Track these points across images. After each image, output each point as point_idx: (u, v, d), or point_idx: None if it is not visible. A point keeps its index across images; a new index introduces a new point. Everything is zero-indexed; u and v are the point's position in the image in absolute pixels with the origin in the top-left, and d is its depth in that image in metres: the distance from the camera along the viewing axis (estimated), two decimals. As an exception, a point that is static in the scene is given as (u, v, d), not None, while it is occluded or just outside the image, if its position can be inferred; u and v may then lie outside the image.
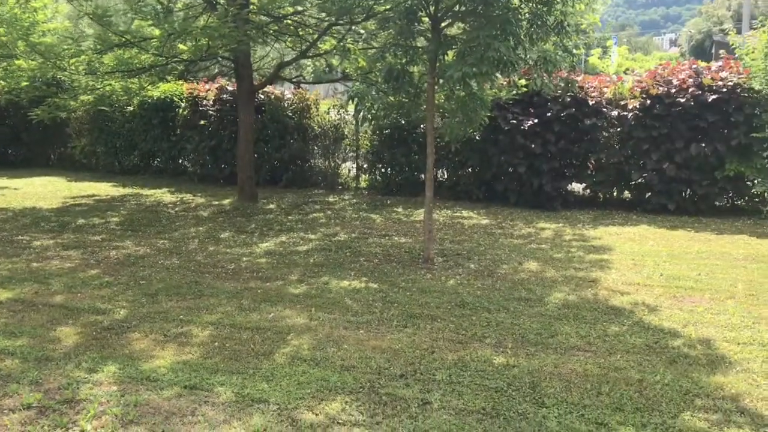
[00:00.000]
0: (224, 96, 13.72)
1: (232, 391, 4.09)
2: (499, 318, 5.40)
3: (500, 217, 9.98)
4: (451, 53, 6.77)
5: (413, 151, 12.05)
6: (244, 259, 7.54)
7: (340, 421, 3.74)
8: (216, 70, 12.28)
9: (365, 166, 13.17)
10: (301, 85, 13.42)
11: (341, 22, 9.84)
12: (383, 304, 5.79)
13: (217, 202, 11.48)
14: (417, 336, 5.04)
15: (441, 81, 6.91)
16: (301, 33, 11.19)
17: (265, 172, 13.27)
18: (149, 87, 11.48)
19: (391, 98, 7.30)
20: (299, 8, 9.98)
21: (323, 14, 10.04)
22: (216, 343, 4.95)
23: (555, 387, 4.13)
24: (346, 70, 11.23)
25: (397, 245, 8.14)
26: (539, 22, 6.44)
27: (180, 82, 13.61)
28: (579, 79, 10.03)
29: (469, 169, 11.63)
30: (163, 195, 12.49)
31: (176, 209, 10.91)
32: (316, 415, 3.80)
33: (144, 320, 5.46)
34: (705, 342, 4.85)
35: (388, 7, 7.62)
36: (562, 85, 6.96)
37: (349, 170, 13.67)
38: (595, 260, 7.28)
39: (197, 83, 14.17)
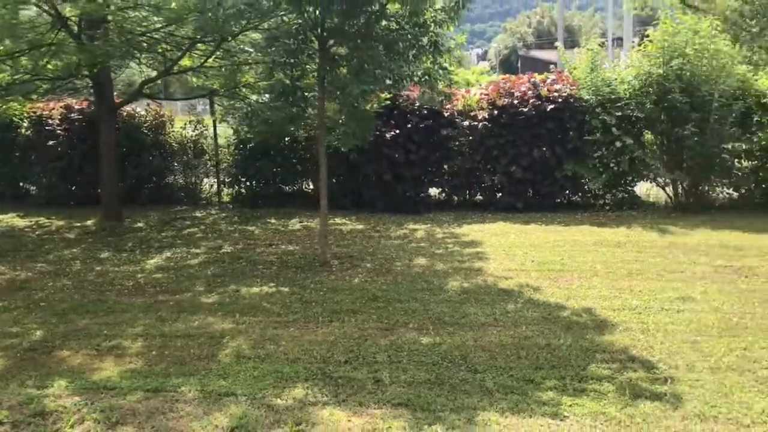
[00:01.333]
0: (72, 115, 13.23)
1: (195, 389, 4.34)
2: (411, 307, 6.02)
3: (372, 222, 10.63)
4: (342, 70, 7.31)
5: (277, 164, 12.40)
6: (139, 275, 7.55)
7: (310, 402, 4.15)
8: (78, 88, 11.84)
9: (228, 180, 13.29)
10: (159, 101, 13.28)
11: (207, 39, 10.01)
12: (302, 305, 6.20)
13: (79, 224, 11.10)
14: (346, 328, 5.52)
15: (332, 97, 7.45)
16: (160, 50, 11.16)
17: (121, 190, 12.96)
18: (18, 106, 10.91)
19: (282, 113, 7.69)
20: (155, 25, 9.95)
21: (187, 31, 10.12)
22: (154, 352, 5.11)
23: (482, 356, 4.82)
24: (213, 86, 11.36)
25: (287, 253, 8.51)
26: (419, 44, 7.17)
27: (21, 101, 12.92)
28: (457, 92, 10.98)
29: (334, 180, 12.18)
30: (13, 220, 11.82)
31: (37, 233, 10.45)
32: (285, 400, 4.18)
33: (66, 338, 5.46)
34: (587, 311, 5.80)
35: (264, 25, 8.03)
36: (442, 98, 7.78)
37: (211, 185, 13.71)
38: (473, 253, 8.15)
39: (39, 102, 13.49)
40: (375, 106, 10.67)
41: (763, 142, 10.52)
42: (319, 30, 7.29)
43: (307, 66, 7.59)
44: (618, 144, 10.57)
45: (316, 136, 11.41)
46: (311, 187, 12.77)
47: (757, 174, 10.90)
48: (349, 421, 3.90)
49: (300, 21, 7.29)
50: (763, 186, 10.98)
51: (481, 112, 11.48)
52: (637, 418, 3.86)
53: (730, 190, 11.38)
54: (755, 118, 10.73)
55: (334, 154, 11.13)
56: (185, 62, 11.31)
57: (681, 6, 23.62)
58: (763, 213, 10.43)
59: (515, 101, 11.18)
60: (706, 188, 11.22)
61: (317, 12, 7.13)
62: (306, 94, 7.57)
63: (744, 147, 10.78)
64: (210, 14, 8.10)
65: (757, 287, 6.45)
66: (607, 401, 4.08)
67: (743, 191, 11.22)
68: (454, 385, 4.36)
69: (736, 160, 11.04)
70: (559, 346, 4.99)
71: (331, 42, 7.43)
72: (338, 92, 7.24)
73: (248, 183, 12.89)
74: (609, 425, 3.80)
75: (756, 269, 7.08)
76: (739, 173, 11.08)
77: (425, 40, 7.35)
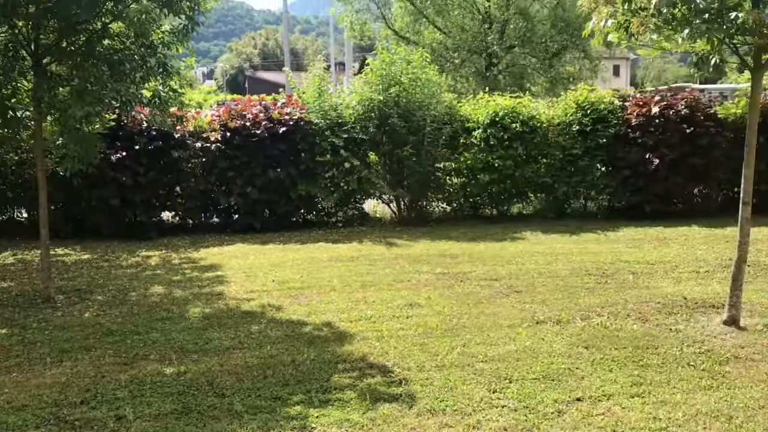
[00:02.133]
0: None
1: None
2: (152, 338, 5.79)
3: (99, 250, 9.96)
4: (63, 90, 6.79)
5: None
6: None
7: (43, 452, 3.81)
8: None
9: None
10: None
11: None
12: (24, 346, 5.63)
13: None
14: (79, 366, 5.14)
15: (49, 117, 6.89)
16: None
17: None
18: None
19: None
20: None
21: None
22: None
23: (228, 380, 4.82)
24: None
25: (1, 290, 7.65)
26: (147, 65, 6.94)
27: None
28: (188, 114, 10.68)
29: (53, 207, 11.19)
30: None
31: None
32: (14, 453, 3.79)
33: None
34: (328, 324, 6.08)
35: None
36: (173, 120, 7.58)
37: None
38: (213, 277, 8.06)
39: None
40: (98, 127, 10.07)
41: (469, 162, 11.89)
42: (33, 47, 6.72)
43: (20, 84, 6.94)
44: (347, 165, 11.22)
45: (31, 159, 10.44)
46: (25, 215, 11.62)
47: (466, 189, 12.29)
48: (90, 465, 3.66)
49: (9, 35, 6.66)
50: (471, 200, 12.43)
51: (213, 133, 11.40)
52: (378, 420, 4.17)
53: (444, 205, 12.68)
54: (461, 140, 12.10)
55: (53, 178, 10.26)
56: None
57: (395, 37, 25.84)
58: (472, 223, 11.78)
59: (248, 123, 11.30)
60: (425, 203, 12.38)
61: (29, 27, 6.58)
62: (19, 114, 6.92)
63: (453, 166, 12.15)
64: None
65: (471, 290, 7.28)
66: (350, 408, 4.33)
67: (455, 205, 12.59)
68: (202, 412, 4.30)
69: (447, 177, 12.37)
70: (303, 361, 5.17)
71: (49, 60, 6.89)
72: (58, 114, 6.72)
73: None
74: (353, 430, 4.04)
75: (469, 274, 7.99)
76: (451, 189, 12.43)
77: (153, 61, 7.14)
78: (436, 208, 12.72)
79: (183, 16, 6.91)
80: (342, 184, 11.47)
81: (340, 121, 11.42)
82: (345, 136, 11.29)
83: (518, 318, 6.26)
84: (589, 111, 12.09)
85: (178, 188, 11.57)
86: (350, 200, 11.99)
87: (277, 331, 5.93)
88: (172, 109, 7.47)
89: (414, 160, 11.46)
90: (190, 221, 11.91)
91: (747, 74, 6.50)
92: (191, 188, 11.54)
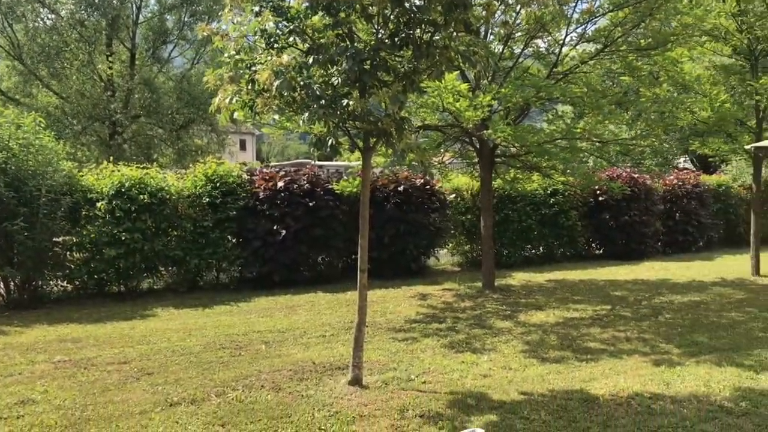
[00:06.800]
0: None
1: None
2: None
3: None
4: None
5: None
6: None
7: None
8: None
9: None
10: None
11: None
12: None
13: None
14: None
15: None
16: None
17: None
18: None
19: None
20: None
21: None
22: None
23: None
24: None
25: None
26: None
27: None
28: None
29: None
30: None
31: None
32: None
33: None
34: None
35: None
36: None
37: None
38: None
39: None
40: None
41: (93, 235, 11.06)
42: None
43: None
44: (-62, 241, 9.53)
45: None
46: None
47: (90, 265, 11.30)
48: None
49: None
50: (96, 277, 11.45)
51: None
52: None
53: (65, 283, 11.52)
54: (84, 213, 11.22)
55: None
56: None
57: (2, 98, 23.22)
58: (98, 303, 10.90)
59: None
60: (40, 283, 11.07)
61: None
62: None
63: (75, 240, 11.15)
64: None
65: (97, 377, 6.63)
66: None
67: (77, 283, 11.49)
68: None
69: (68, 253, 11.28)
70: None
71: None
72: None
73: None
74: None
75: (95, 359, 7.29)
76: (72, 266, 11.31)
77: None
78: (55, 288, 11.48)
79: None
80: (-68, 265, 9.68)
81: (-71, 191, 9.70)
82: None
83: (151, 402, 5.86)
84: (218, 184, 12.29)
85: None
86: (-56, 284, 10.17)
87: None
88: None
89: (26, 235, 10.20)
90: None
91: (358, 153, 7.24)
92: None
